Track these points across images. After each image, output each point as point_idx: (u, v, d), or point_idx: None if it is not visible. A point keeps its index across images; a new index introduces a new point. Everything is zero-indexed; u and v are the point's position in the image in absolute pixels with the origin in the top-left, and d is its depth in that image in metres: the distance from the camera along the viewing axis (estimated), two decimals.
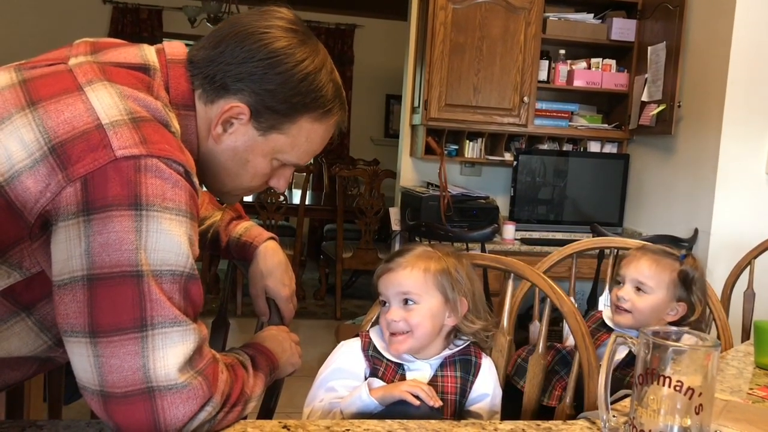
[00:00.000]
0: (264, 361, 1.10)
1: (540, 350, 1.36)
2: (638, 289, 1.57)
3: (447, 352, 1.28)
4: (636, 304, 1.56)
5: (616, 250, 1.81)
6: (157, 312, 0.87)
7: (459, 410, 1.26)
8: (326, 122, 1.10)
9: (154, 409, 0.87)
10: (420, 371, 1.27)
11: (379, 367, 1.28)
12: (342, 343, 1.34)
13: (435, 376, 1.26)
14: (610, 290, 1.67)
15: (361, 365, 1.29)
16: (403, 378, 1.26)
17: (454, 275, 1.27)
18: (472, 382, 1.27)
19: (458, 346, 1.29)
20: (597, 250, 3.10)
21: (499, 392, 1.30)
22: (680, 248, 3.08)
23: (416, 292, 1.24)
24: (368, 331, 1.33)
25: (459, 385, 1.26)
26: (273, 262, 1.35)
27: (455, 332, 1.31)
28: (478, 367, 1.28)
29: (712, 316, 1.66)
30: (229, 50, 1.03)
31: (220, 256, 1.47)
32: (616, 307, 1.59)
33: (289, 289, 1.36)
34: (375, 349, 1.30)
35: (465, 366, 1.28)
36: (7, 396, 1.29)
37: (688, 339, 1.01)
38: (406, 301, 1.25)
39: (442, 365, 1.27)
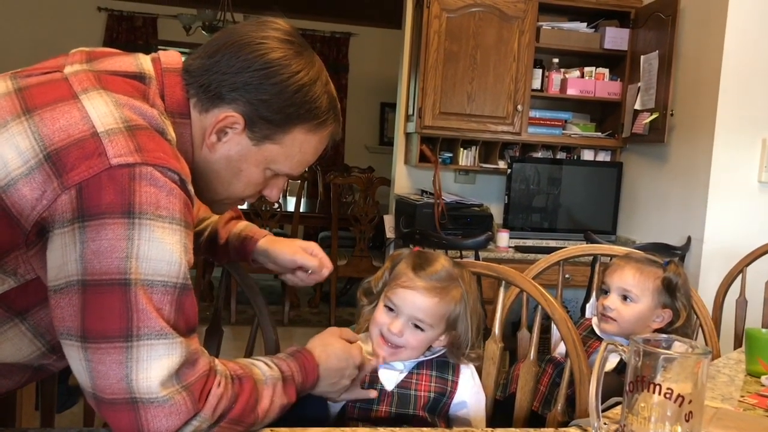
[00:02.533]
0: (293, 388, 1.05)
1: (531, 358, 1.36)
2: (624, 297, 1.58)
3: (423, 358, 1.28)
4: (622, 312, 1.57)
5: (609, 258, 1.82)
6: (143, 323, 0.87)
7: (440, 411, 1.25)
8: (320, 133, 1.10)
9: (137, 419, 0.87)
10: (393, 368, 1.26)
11: None
12: None
13: (410, 374, 1.26)
14: (597, 298, 1.68)
15: None
16: (375, 375, 1.25)
17: (468, 307, 1.26)
18: (455, 383, 1.27)
19: (435, 353, 1.29)
20: (590, 258, 3.11)
21: (481, 398, 1.30)
22: (672, 256, 3.10)
23: (429, 322, 1.23)
24: None
25: (434, 384, 1.25)
26: (287, 241, 1.37)
27: None
28: (457, 368, 1.28)
29: (699, 322, 1.67)
30: (225, 60, 1.03)
31: (213, 258, 1.46)
32: (602, 315, 1.60)
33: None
34: None
35: (441, 367, 1.28)
36: None
37: (679, 347, 1.01)
38: (416, 324, 1.23)
39: (418, 366, 1.27)
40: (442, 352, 1.29)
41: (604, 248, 1.88)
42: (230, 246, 1.37)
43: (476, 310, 1.28)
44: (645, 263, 1.60)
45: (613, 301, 1.58)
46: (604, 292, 1.63)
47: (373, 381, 1.26)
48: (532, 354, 1.36)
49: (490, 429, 1.18)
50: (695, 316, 1.67)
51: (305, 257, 1.35)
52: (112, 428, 0.89)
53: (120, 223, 0.87)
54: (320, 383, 1.12)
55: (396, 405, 1.23)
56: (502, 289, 1.41)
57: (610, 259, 1.81)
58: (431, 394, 1.25)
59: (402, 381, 1.25)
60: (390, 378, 1.26)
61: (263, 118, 1.04)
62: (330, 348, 1.15)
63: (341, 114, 1.15)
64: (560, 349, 1.66)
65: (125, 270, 0.87)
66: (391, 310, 1.25)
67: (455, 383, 1.27)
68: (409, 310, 1.23)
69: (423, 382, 1.26)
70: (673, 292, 1.57)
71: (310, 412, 1.17)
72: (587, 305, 1.96)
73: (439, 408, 1.26)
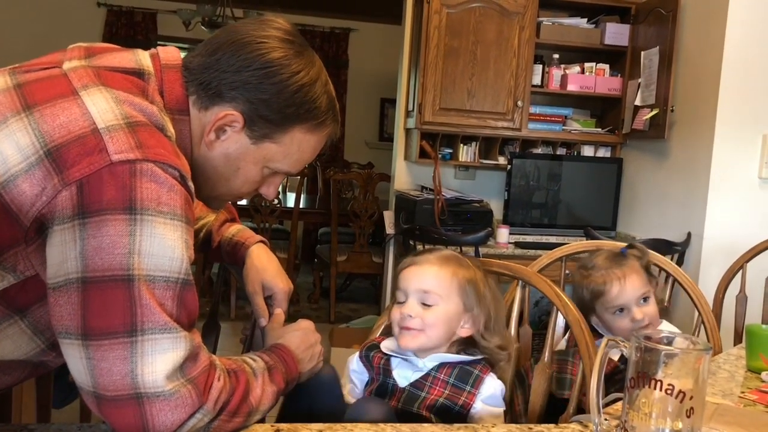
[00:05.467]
0: (280, 375, 1.07)
1: (546, 359, 1.35)
2: (644, 299, 1.57)
3: (449, 357, 1.25)
4: (650, 313, 1.56)
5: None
6: (147, 318, 0.87)
7: (453, 419, 1.21)
8: (319, 133, 1.11)
9: (142, 414, 0.87)
10: (413, 366, 1.25)
11: (369, 355, 1.29)
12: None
13: (427, 375, 1.24)
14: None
15: (362, 373, 1.30)
16: (388, 369, 1.25)
17: (481, 289, 1.24)
18: (472, 394, 1.22)
19: (466, 357, 1.25)
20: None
21: (494, 407, 1.25)
22: (673, 252, 3.08)
23: (437, 292, 1.22)
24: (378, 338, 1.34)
25: (448, 391, 1.22)
26: (268, 258, 1.35)
27: (467, 345, 1.28)
28: (479, 380, 1.23)
29: (700, 318, 1.68)
30: (225, 58, 1.03)
31: (207, 258, 1.46)
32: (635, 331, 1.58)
33: (288, 285, 1.35)
34: (370, 346, 1.31)
35: (463, 375, 1.23)
36: None
37: (680, 342, 1.01)
38: (425, 301, 1.23)
39: (438, 368, 1.24)
40: (473, 359, 1.25)
41: (606, 244, 1.87)
42: (222, 250, 1.38)
43: (494, 296, 1.27)
44: (627, 260, 1.60)
45: (638, 312, 1.55)
46: (621, 311, 1.57)
47: (387, 375, 1.25)
48: (547, 356, 1.35)
49: (489, 425, 1.18)
50: (698, 314, 1.68)
51: (256, 299, 1.31)
52: (114, 427, 0.88)
53: (121, 219, 0.87)
54: (302, 364, 1.15)
55: (403, 402, 1.22)
56: (518, 288, 1.41)
57: None
58: (440, 399, 1.21)
59: (417, 381, 1.24)
60: (405, 375, 1.25)
61: (262, 117, 1.04)
62: (286, 335, 1.19)
63: (341, 110, 1.15)
64: (561, 345, 1.65)
65: (128, 266, 0.86)
66: (400, 301, 1.25)
67: (472, 395, 1.22)
68: (415, 285, 1.23)
69: (437, 387, 1.23)
70: (649, 269, 1.61)
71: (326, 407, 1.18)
72: None
73: (452, 416, 1.21)
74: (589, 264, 1.61)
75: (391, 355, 1.27)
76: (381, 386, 1.26)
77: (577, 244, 1.83)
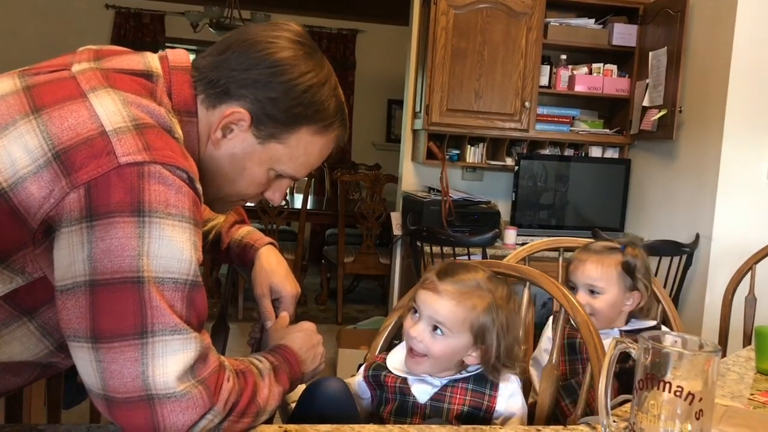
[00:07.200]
0: (285, 375, 1.08)
1: (554, 361, 1.34)
2: (591, 291, 1.60)
3: (459, 375, 1.25)
4: (594, 306, 1.59)
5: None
6: (157, 319, 0.87)
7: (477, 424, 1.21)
8: (326, 136, 1.10)
9: (153, 416, 0.87)
10: (427, 382, 1.25)
11: (379, 376, 1.28)
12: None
13: (444, 387, 1.24)
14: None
15: (363, 394, 1.30)
16: (406, 387, 1.25)
17: (498, 321, 1.22)
18: (493, 397, 1.23)
19: (471, 371, 1.26)
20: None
21: (517, 411, 1.25)
22: (681, 253, 3.08)
23: (449, 326, 1.21)
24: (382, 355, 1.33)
25: (470, 398, 1.23)
26: (277, 261, 1.35)
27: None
28: (495, 383, 1.25)
29: (660, 306, 1.70)
30: (234, 57, 1.04)
31: (217, 259, 1.46)
32: None
33: (296, 289, 1.35)
34: (376, 366, 1.30)
35: (479, 381, 1.25)
36: (7, 399, 1.29)
37: (689, 344, 1.01)
38: (435, 327, 1.21)
39: (454, 381, 1.25)
40: (480, 369, 1.26)
41: (567, 241, 1.86)
42: (231, 252, 1.38)
43: (511, 325, 1.24)
44: (605, 253, 1.62)
45: (582, 297, 1.59)
46: (571, 288, 1.62)
47: (406, 393, 1.25)
48: (554, 357, 1.34)
49: (498, 427, 1.18)
50: (655, 298, 1.70)
51: (264, 302, 1.31)
52: (125, 429, 0.89)
53: (130, 221, 0.87)
54: (305, 365, 1.16)
55: (428, 417, 1.22)
56: (526, 290, 1.40)
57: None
58: (465, 407, 1.22)
59: (435, 394, 1.24)
60: (423, 391, 1.24)
61: (270, 116, 1.04)
62: (289, 336, 1.19)
63: (348, 111, 1.15)
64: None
65: (138, 268, 0.87)
66: (415, 312, 1.24)
67: (493, 398, 1.24)
68: (428, 312, 1.22)
69: (458, 396, 1.23)
70: (633, 274, 1.60)
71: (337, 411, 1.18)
72: None
73: (479, 423, 1.21)
74: (589, 245, 1.69)
75: (406, 376, 1.26)
76: (400, 406, 1.25)
77: (540, 242, 1.82)
